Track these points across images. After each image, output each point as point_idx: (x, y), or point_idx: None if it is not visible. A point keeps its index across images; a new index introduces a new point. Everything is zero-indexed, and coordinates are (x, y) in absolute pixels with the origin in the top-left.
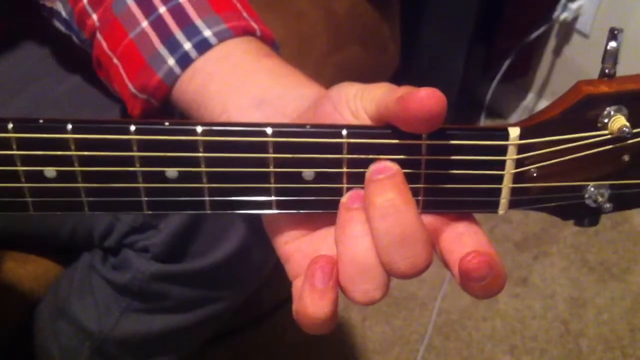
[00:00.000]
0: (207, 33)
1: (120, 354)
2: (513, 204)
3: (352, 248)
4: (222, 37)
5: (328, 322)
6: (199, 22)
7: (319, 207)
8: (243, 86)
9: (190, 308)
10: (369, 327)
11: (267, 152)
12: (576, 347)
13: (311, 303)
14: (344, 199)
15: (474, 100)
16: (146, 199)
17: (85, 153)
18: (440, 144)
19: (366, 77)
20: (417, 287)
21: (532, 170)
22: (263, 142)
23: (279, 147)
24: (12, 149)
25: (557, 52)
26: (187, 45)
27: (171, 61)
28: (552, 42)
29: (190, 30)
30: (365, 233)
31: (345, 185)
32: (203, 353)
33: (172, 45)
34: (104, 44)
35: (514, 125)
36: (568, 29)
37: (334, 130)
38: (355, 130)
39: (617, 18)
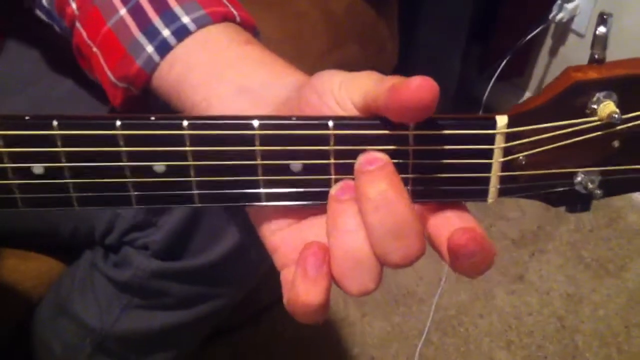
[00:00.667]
0: (186, 19)
1: (122, 351)
2: (502, 192)
3: (346, 242)
4: (200, 24)
5: (321, 310)
6: (177, 9)
7: (308, 198)
8: (223, 74)
9: (189, 305)
10: (368, 323)
11: (254, 145)
12: (572, 343)
13: (304, 290)
14: (333, 191)
15: (471, 99)
16: (135, 193)
17: (72, 149)
18: (428, 134)
19: None
20: (415, 284)
21: (520, 158)
22: (250, 135)
23: (265, 140)
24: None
25: (554, 51)
26: (166, 32)
27: (150, 49)
28: (548, 42)
29: (169, 16)
30: (358, 226)
31: (333, 177)
32: (202, 350)
33: (151, 33)
34: (84, 33)
35: (502, 113)
36: (564, 29)
37: (320, 122)
38: (342, 122)
39: (612, 18)
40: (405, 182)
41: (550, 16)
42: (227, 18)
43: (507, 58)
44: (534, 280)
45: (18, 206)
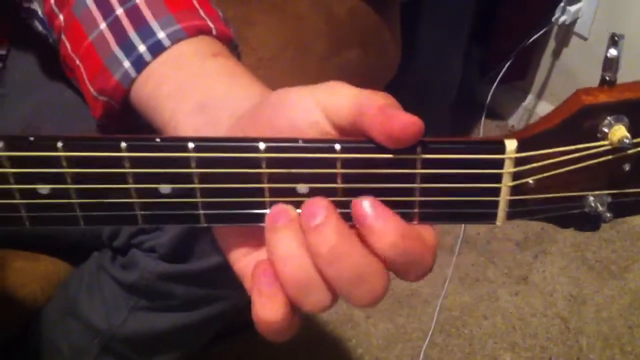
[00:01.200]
0: (161, 35)
1: (128, 351)
2: (511, 216)
3: (289, 269)
4: (174, 39)
5: (285, 324)
6: (153, 23)
7: None
8: (187, 90)
9: (194, 307)
10: (373, 325)
11: (261, 168)
12: (576, 344)
13: (262, 307)
14: (267, 221)
15: (473, 102)
16: (141, 212)
17: (78, 170)
18: (436, 158)
19: (366, 78)
20: (420, 285)
21: (530, 182)
22: (256, 158)
23: (272, 162)
24: (4, 167)
25: (556, 54)
26: (142, 48)
27: (127, 64)
28: (551, 45)
29: (145, 31)
30: (297, 252)
31: (340, 199)
32: (206, 352)
33: (128, 48)
34: (68, 46)
35: (511, 137)
36: (567, 32)
37: (327, 145)
38: (349, 145)
39: (615, 21)
40: (413, 205)
41: (553, 19)
42: (202, 31)
43: (510, 61)
44: (538, 281)
45: (25, 225)
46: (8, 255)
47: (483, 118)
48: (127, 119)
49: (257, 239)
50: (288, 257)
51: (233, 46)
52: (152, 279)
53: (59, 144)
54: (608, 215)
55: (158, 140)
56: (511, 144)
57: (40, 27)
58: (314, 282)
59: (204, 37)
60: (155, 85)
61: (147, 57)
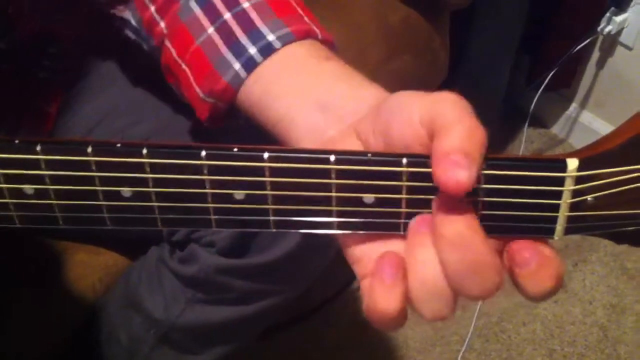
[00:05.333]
0: (271, 37)
1: (184, 343)
2: (569, 231)
3: (421, 272)
4: (285, 41)
5: (398, 316)
6: (262, 27)
7: (379, 229)
8: (305, 89)
9: (250, 300)
10: (410, 327)
11: (330, 178)
12: (614, 353)
13: (381, 297)
14: (412, 223)
15: (518, 109)
16: (215, 217)
17: (159, 176)
18: (499, 174)
19: (416, 84)
20: None
21: (589, 199)
22: (326, 169)
23: (341, 174)
24: (92, 171)
25: (601, 64)
26: (252, 50)
27: (237, 65)
28: (596, 54)
29: (255, 34)
30: (433, 257)
31: (404, 210)
32: (259, 344)
33: (238, 50)
34: (173, 51)
35: (572, 156)
36: (612, 42)
37: (394, 158)
38: (416, 160)
39: None
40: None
41: (599, 28)
42: (309, 35)
43: (555, 69)
44: (577, 290)
45: (107, 225)
46: (70, 247)
47: (526, 125)
48: (229, 120)
49: (376, 235)
50: (423, 260)
51: (334, 49)
52: (210, 272)
53: (144, 151)
54: None
55: (235, 149)
56: (572, 163)
57: (133, 36)
58: (442, 290)
59: (312, 41)
60: (266, 84)
61: (258, 58)
